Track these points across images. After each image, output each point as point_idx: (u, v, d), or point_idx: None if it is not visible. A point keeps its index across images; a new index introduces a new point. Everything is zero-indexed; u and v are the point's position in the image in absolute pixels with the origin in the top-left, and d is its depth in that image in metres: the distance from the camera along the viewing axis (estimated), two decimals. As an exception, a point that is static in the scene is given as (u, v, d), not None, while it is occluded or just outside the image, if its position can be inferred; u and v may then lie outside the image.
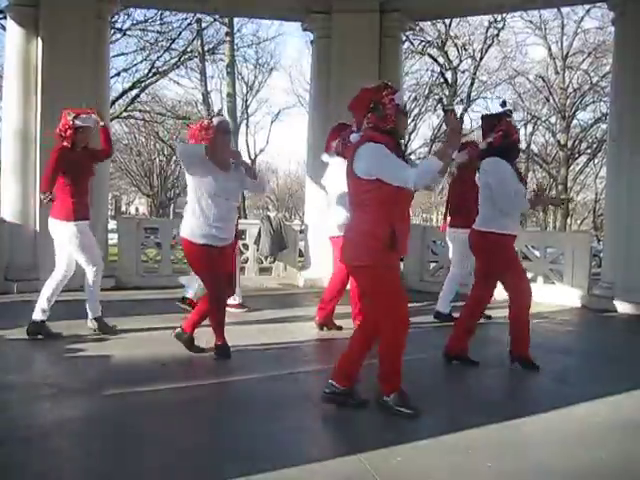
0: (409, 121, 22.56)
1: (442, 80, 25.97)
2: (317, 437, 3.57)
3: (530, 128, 30.29)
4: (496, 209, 4.81)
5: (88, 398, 4.09)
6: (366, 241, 3.67)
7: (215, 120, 5.03)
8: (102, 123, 5.92)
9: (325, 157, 6.20)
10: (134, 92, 23.89)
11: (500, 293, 5.10)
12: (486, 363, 5.15)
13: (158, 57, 23.39)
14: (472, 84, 26.64)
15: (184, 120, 28.53)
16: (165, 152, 34.54)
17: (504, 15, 22.74)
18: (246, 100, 29.66)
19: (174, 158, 34.41)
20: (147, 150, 34.83)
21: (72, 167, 5.52)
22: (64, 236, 5.62)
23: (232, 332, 5.37)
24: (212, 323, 5.16)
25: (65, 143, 5.56)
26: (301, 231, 10.68)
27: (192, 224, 4.95)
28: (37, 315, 5.66)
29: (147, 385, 4.35)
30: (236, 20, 22.49)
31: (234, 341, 5.24)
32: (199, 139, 4.96)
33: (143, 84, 24.22)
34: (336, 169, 5.84)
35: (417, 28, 19.18)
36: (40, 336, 5.60)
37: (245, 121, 29.45)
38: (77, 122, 5.56)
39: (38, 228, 8.61)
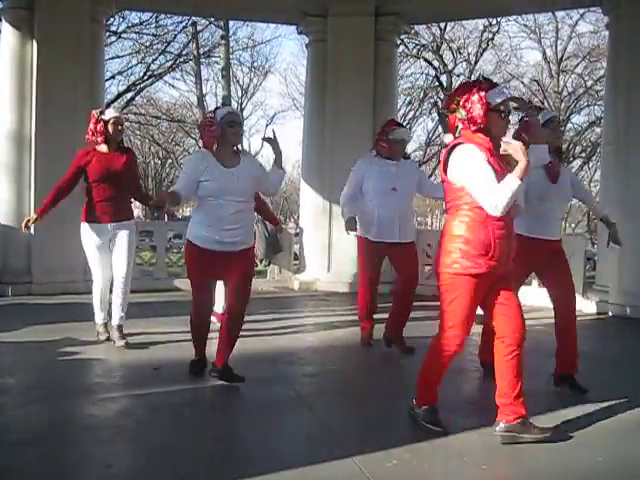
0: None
1: (437, 84, 25.99)
2: (312, 440, 3.56)
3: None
4: None
5: (83, 401, 4.07)
6: (459, 247, 3.36)
7: (218, 113, 4.52)
8: None
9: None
10: (129, 95, 23.93)
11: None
12: (480, 366, 5.15)
13: (153, 60, 23.47)
14: (467, 88, 26.68)
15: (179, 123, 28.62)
16: (160, 155, 34.50)
17: (499, 19, 22.81)
18: (241, 103, 29.65)
19: (169, 161, 34.44)
20: (142, 153, 34.81)
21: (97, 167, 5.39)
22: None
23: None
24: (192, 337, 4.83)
25: (99, 139, 5.40)
26: (296, 234, 10.70)
27: (195, 225, 4.51)
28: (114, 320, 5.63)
29: (142, 388, 4.34)
30: (231, 23, 22.54)
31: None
32: (204, 138, 4.50)
33: (138, 87, 24.26)
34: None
35: (412, 32, 19.16)
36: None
37: (240, 124, 29.39)
38: (103, 116, 5.42)
39: (33, 231, 8.59)
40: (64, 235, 8.40)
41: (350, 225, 5.62)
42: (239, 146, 4.60)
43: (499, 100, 3.32)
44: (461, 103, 3.36)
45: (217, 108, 4.69)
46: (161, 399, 4.13)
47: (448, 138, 3.48)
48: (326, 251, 9.98)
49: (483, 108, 3.29)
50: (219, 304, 6.51)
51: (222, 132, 4.38)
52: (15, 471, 2.99)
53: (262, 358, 5.32)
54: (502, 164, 3.34)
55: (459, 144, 3.36)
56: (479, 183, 3.26)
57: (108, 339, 5.57)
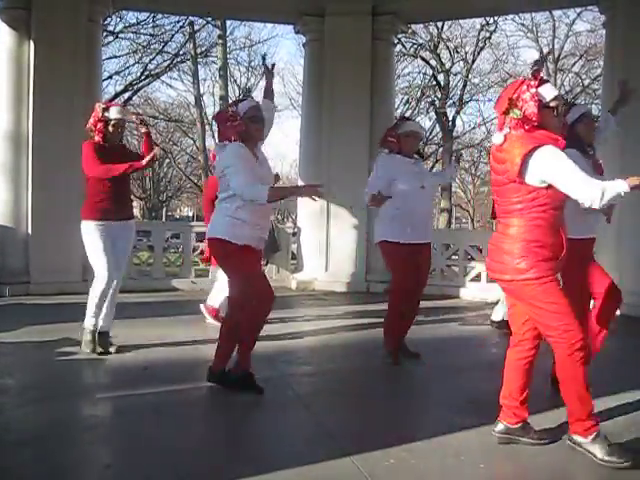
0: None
1: (434, 83, 26.00)
2: (310, 439, 3.57)
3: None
4: None
5: (81, 401, 4.08)
6: (534, 252, 3.21)
7: (241, 107, 4.27)
8: (144, 130, 5.67)
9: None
10: (126, 95, 23.87)
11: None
12: (480, 365, 5.17)
13: (150, 60, 23.41)
14: (464, 87, 26.68)
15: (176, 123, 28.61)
16: (157, 155, 34.42)
17: (496, 18, 22.81)
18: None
19: (167, 161, 34.37)
20: (139, 152, 34.75)
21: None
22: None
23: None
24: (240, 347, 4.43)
25: (96, 138, 5.19)
26: (294, 234, 10.70)
27: (230, 224, 4.19)
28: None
29: (140, 388, 4.34)
30: (228, 23, 22.50)
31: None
32: (227, 133, 4.26)
33: (135, 87, 24.22)
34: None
35: (409, 31, 19.18)
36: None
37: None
38: (107, 114, 5.18)
39: (30, 231, 8.61)
40: (62, 235, 8.43)
41: (376, 199, 5.22)
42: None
43: (551, 96, 3.24)
44: (514, 102, 3.25)
45: (239, 101, 4.48)
46: (160, 399, 4.14)
47: (497, 138, 3.34)
48: (324, 251, 9.98)
49: (536, 105, 3.20)
50: (216, 298, 6.52)
51: (246, 128, 4.20)
52: (14, 471, 3.00)
53: (260, 357, 5.29)
54: None
55: (539, 146, 3.16)
56: (575, 175, 3.11)
57: (102, 353, 5.20)
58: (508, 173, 3.22)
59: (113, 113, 5.22)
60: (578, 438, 3.25)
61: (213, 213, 4.44)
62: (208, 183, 6.70)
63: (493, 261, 3.38)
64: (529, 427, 3.44)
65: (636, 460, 3.10)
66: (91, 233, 5.18)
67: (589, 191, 3.08)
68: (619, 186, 3.09)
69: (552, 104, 3.25)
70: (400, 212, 5.17)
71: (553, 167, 3.13)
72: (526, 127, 3.22)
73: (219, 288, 6.48)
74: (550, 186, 3.16)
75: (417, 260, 5.24)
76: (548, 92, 3.24)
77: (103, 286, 5.18)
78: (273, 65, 4.72)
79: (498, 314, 6.81)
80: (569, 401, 3.26)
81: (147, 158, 5.21)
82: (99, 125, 5.18)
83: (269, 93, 4.78)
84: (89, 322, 5.22)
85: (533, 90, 3.21)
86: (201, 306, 6.68)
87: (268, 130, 4.56)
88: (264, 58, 4.87)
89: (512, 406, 3.43)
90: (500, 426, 3.46)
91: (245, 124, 4.19)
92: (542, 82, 3.27)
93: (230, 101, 4.79)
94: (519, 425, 3.43)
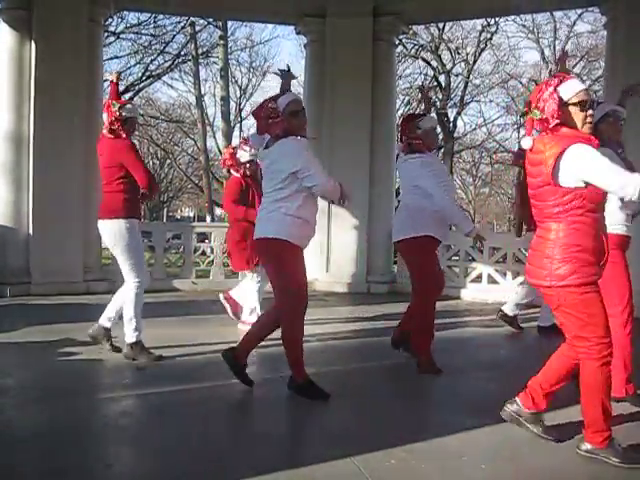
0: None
1: (435, 84, 26.01)
2: (310, 440, 3.57)
3: (523, 131, 30.38)
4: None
5: (82, 402, 4.08)
6: (575, 256, 3.14)
7: (280, 102, 4.16)
8: None
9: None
10: (128, 95, 23.87)
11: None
12: (481, 366, 5.17)
13: (152, 60, 23.45)
14: (465, 87, 26.70)
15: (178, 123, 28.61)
16: (158, 155, 34.47)
17: (497, 19, 22.82)
18: (240, 103, 29.64)
19: (167, 162, 34.40)
20: (141, 153, 34.78)
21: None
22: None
23: (222, 334, 5.36)
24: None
25: (123, 135, 5.04)
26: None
27: (291, 224, 4.10)
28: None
29: (141, 389, 4.35)
30: (230, 24, 22.52)
31: (223, 342, 5.22)
32: (270, 129, 4.14)
33: (137, 87, 24.23)
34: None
35: (410, 32, 19.19)
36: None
37: (239, 124, 29.40)
38: (124, 113, 5.04)
39: (31, 231, 8.61)
40: (63, 235, 8.45)
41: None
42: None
43: (571, 93, 3.15)
44: (533, 105, 3.20)
45: (278, 96, 4.29)
46: (161, 399, 4.14)
47: (526, 143, 3.27)
48: (325, 251, 9.98)
49: (556, 103, 3.11)
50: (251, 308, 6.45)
51: (288, 124, 4.08)
52: (15, 470, 3.00)
53: (261, 359, 5.32)
54: None
55: (569, 146, 3.09)
56: (609, 169, 3.08)
57: (116, 349, 5.18)
58: (542, 176, 3.17)
59: (127, 112, 5.09)
60: (594, 448, 3.23)
61: (260, 213, 4.30)
62: (230, 183, 6.58)
63: (533, 266, 3.32)
64: (540, 418, 3.47)
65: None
66: (133, 232, 5.00)
67: (625, 182, 3.03)
68: None
69: (574, 100, 3.15)
70: (439, 211, 4.97)
71: (586, 164, 3.07)
72: (550, 126, 3.15)
73: (249, 289, 6.49)
74: (586, 187, 3.09)
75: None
76: (569, 89, 3.15)
77: (141, 290, 5.03)
78: (289, 67, 4.54)
79: (510, 307, 6.86)
80: (591, 411, 3.23)
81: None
82: (117, 125, 5.02)
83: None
84: (137, 334, 5.05)
85: (551, 88, 3.15)
86: (221, 296, 6.70)
87: None
88: (288, 69, 4.57)
89: (535, 392, 3.46)
90: (514, 406, 3.50)
91: (287, 120, 4.08)
92: (564, 80, 3.18)
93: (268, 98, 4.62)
94: (531, 412, 3.46)
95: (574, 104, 3.14)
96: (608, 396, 3.21)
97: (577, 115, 3.15)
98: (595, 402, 3.20)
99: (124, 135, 5.06)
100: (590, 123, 3.17)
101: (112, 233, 4.99)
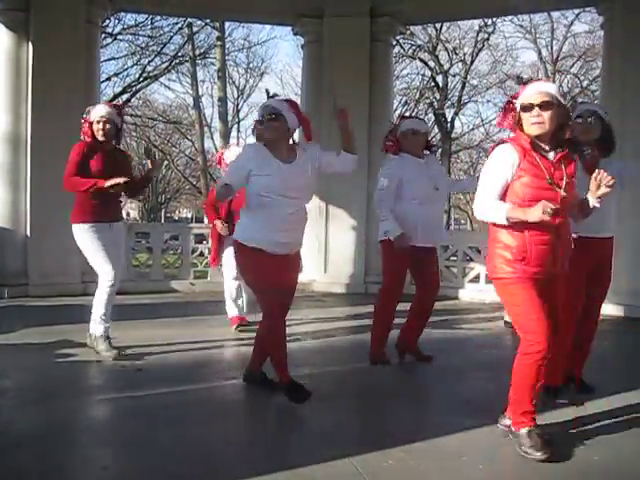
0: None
1: (433, 84, 26.03)
2: (308, 440, 3.56)
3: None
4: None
5: (80, 403, 4.07)
6: (498, 253, 3.34)
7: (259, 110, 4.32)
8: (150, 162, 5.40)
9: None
10: (125, 97, 23.86)
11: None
12: (479, 366, 5.17)
13: (149, 61, 23.44)
14: (463, 88, 26.73)
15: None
16: (156, 157, 34.40)
17: (494, 19, 22.84)
18: (237, 104, 29.65)
19: (165, 163, 34.37)
20: (138, 154, 34.76)
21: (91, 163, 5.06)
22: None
23: (220, 335, 5.35)
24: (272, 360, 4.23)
25: (86, 138, 5.11)
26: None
27: (247, 225, 4.14)
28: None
29: (138, 390, 4.34)
30: (227, 24, 22.50)
31: (220, 343, 5.23)
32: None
33: (134, 88, 24.22)
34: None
35: (407, 32, 19.18)
36: None
37: (236, 125, 29.43)
38: (88, 117, 5.11)
39: (29, 233, 8.60)
40: (60, 237, 8.39)
41: (402, 242, 4.93)
42: (291, 140, 4.47)
43: (522, 99, 3.34)
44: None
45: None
46: (158, 401, 4.13)
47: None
48: (322, 252, 9.98)
49: (504, 111, 3.48)
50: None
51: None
52: (13, 472, 2.99)
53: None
54: (551, 163, 3.28)
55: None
56: (481, 184, 3.35)
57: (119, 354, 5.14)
58: None
59: (94, 112, 5.12)
60: (511, 427, 3.43)
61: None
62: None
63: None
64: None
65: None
66: (85, 235, 5.11)
67: (477, 202, 3.34)
68: (503, 210, 3.20)
69: (521, 104, 3.32)
70: (408, 216, 4.99)
71: (484, 166, 3.40)
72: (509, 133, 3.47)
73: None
74: (508, 187, 3.27)
75: (423, 264, 5.16)
76: (522, 95, 3.34)
77: (109, 284, 5.16)
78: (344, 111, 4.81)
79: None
80: (514, 394, 3.42)
81: (110, 182, 4.90)
82: (85, 126, 5.13)
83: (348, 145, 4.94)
84: (101, 329, 5.20)
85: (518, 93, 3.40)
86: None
87: (349, 167, 5.05)
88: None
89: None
90: (506, 420, 3.54)
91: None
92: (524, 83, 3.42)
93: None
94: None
95: (521, 108, 3.32)
96: (532, 388, 3.33)
97: (524, 118, 3.31)
98: (518, 388, 3.39)
99: (87, 138, 5.13)
100: (537, 124, 3.25)
101: (75, 238, 5.17)
